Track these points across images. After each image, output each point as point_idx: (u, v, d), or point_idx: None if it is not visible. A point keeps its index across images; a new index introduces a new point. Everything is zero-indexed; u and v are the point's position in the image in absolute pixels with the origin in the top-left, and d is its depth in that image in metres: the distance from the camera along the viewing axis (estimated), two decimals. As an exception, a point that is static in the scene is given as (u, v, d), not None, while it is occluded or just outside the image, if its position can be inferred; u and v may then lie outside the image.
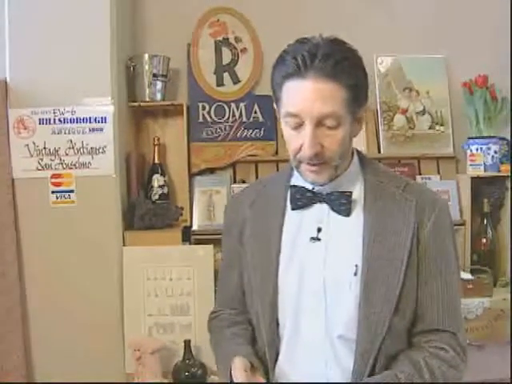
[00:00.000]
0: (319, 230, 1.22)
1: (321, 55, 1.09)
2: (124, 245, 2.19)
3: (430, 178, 2.58)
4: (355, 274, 1.17)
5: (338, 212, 1.22)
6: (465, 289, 2.28)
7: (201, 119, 2.50)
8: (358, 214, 1.22)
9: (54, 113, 2.10)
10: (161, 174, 2.41)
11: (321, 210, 1.24)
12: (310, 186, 1.24)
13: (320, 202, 1.24)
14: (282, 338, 1.23)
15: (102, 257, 2.12)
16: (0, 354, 2.01)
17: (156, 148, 2.42)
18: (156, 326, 2.15)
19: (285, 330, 1.22)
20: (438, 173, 2.61)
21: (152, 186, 2.39)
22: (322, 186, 1.21)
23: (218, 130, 2.50)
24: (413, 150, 2.57)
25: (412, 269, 1.17)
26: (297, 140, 1.15)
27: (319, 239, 1.22)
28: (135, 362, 2.02)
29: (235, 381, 1.15)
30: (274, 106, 1.23)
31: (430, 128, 2.59)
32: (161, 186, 2.40)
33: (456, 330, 1.20)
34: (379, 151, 2.57)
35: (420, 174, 2.60)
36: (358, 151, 1.29)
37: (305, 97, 1.10)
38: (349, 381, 1.16)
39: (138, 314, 2.15)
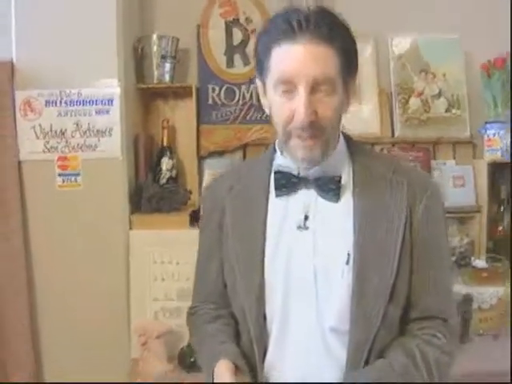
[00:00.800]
0: (306, 217, 1.15)
1: (315, 19, 1.06)
2: (130, 228, 2.17)
3: (445, 163, 2.52)
4: (347, 263, 1.11)
5: (327, 198, 1.15)
6: (479, 277, 2.23)
7: (210, 101, 2.45)
8: (347, 199, 1.16)
9: (61, 94, 2.08)
10: (169, 158, 2.37)
11: (307, 196, 1.17)
12: (295, 171, 1.16)
13: (306, 187, 1.17)
14: (270, 333, 1.16)
15: (108, 240, 2.11)
16: (5, 324, 2.03)
17: (165, 130, 2.38)
18: (162, 310, 2.13)
19: (273, 323, 1.16)
20: (454, 158, 2.54)
21: (160, 169, 2.36)
22: (309, 168, 1.14)
23: (228, 113, 2.45)
24: (428, 133, 2.50)
25: (405, 255, 1.12)
26: (289, 108, 1.08)
27: (307, 228, 1.15)
28: (141, 347, 2.02)
29: (218, 380, 1.10)
30: (257, 82, 1.18)
31: (446, 111, 2.51)
32: (169, 170, 2.36)
33: (448, 317, 1.17)
34: (393, 135, 2.51)
35: (435, 159, 2.52)
36: (343, 132, 1.22)
37: (298, 59, 1.05)
38: (342, 374, 1.11)
39: (144, 299, 2.13)
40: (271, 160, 1.23)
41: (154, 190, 2.25)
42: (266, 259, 1.16)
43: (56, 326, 2.11)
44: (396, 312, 1.13)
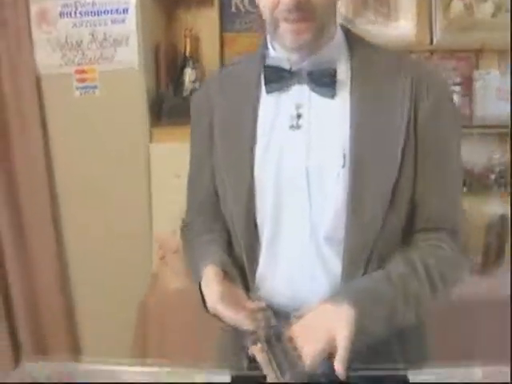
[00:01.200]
0: (299, 116, 1.06)
1: None
2: (151, 141, 2.15)
3: (489, 73, 2.31)
4: (343, 166, 1.02)
5: (321, 93, 1.05)
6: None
7: (234, 9, 2.33)
8: (343, 96, 1.06)
9: (75, 4, 2.03)
10: (192, 68, 2.29)
11: (300, 92, 1.07)
12: (287, 65, 1.07)
13: (299, 83, 1.07)
14: (261, 242, 1.10)
15: (128, 154, 2.11)
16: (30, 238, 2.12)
17: (187, 40, 2.28)
18: (183, 225, 2.16)
19: (264, 232, 1.09)
20: (499, 67, 2.31)
21: (183, 81, 2.29)
22: (301, 61, 1.05)
23: (252, 20, 2.32)
24: (471, 40, 2.27)
25: (408, 157, 1.02)
26: None
27: (299, 127, 1.06)
28: (159, 262, 2.06)
29: (207, 293, 1.03)
30: None
31: (492, 16, 2.28)
32: (193, 81, 2.30)
33: (456, 227, 1.08)
34: (431, 42, 2.30)
35: (478, 69, 2.31)
36: (341, 25, 1.11)
37: None
38: (337, 286, 1.05)
39: (164, 213, 2.13)
40: (263, 56, 1.14)
41: (175, 102, 2.20)
42: (256, 161, 1.08)
43: (77, 241, 2.19)
44: (397, 221, 1.04)
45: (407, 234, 1.07)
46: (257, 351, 0.84)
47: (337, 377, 0.83)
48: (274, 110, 1.09)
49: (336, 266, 1.04)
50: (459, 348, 1.65)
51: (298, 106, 1.07)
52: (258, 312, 0.95)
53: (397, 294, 0.97)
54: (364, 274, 1.03)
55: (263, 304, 0.99)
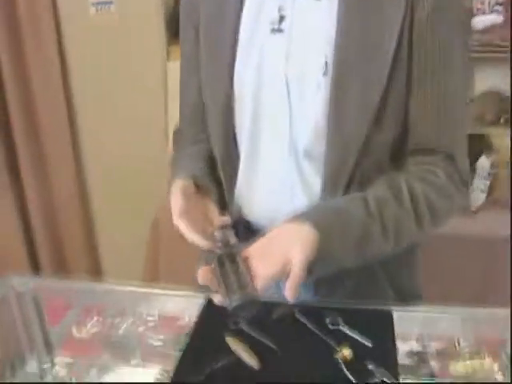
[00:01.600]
0: (282, 18, 0.96)
1: None
2: (168, 60, 2.10)
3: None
4: (324, 74, 0.90)
5: None
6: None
7: None
8: None
9: None
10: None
11: None
12: None
13: None
14: (239, 155, 1.02)
15: (145, 72, 2.07)
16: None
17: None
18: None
19: (242, 145, 1.01)
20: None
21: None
22: None
23: None
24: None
25: (401, 66, 0.89)
26: None
27: (281, 30, 0.96)
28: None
29: (171, 207, 0.93)
30: None
31: None
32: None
33: (454, 152, 0.95)
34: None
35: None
36: None
37: None
38: None
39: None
40: None
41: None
42: (236, 67, 0.99)
43: (94, 156, 2.19)
44: (383, 141, 0.92)
45: (397, 159, 0.96)
46: (206, 271, 0.78)
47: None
48: (256, 11, 0.98)
49: (316, 184, 0.96)
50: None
51: (280, 8, 0.96)
52: (219, 230, 0.88)
53: (373, 220, 0.86)
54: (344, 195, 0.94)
55: (228, 221, 0.92)
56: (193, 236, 0.87)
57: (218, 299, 0.77)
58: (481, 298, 1.22)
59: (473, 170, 1.89)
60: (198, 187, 0.97)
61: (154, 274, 1.96)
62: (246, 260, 0.80)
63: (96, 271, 2.28)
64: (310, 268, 0.79)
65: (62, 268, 2.20)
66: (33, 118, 2.05)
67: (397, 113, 0.92)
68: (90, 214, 2.24)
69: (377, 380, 0.76)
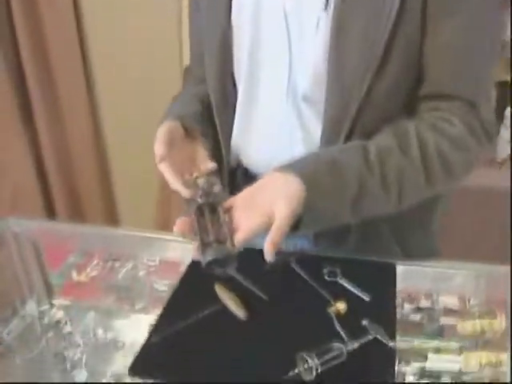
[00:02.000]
0: None
1: None
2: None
3: None
4: (324, 9, 0.80)
5: None
6: None
7: None
8: None
9: None
10: None
11: None
12: None
13: None
14: (236, 99, 0.95)
15: (159, 4, 1.97)
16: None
17: None
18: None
19: (240, 85, 0.93)
20: None
21: None
22: None
23: None
24: None
25: (413, 4, 0.76)
26: None
27: None
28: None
29: (155, 151, 0.85)
30: None
31: None
32: None
33: (476, 98, 0.82)
34: None
35: None
36: None
37: None
38: None
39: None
40: None
41: None
42: (234, 1, 0.90)
43: (109, 90, 2.11)
44: (389, 84, 0.81)
45: (406, 106, 0.85)
46: (182, 222, 0.71)
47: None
48: None
49: (316, 131, 0.87)
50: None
51: None
52: (202, 178, 0.82)
53: (371, 172, 0.76)
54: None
55: (213, 167, 0.85)
56: (174, 183, 0.80)
57: (193, 253, 0.69)
58: (503, 255, 1.14)
59: (499, 119, 1.76)
60: (187, 130, 0.90)
61: (165, 220, 1.95)
62: (228, 211, 0.73)
63: (112, 218, 2.27)
64: (297, 223, 0.72)
65: (77, 214, 2.19)
66: (45, 60, 1.99)
67: (407, 55, 0.80)
68: (106, 158, 2.20)
69: (370, 337, 0.71)
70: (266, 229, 0.69)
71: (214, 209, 0.73)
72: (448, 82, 0.82)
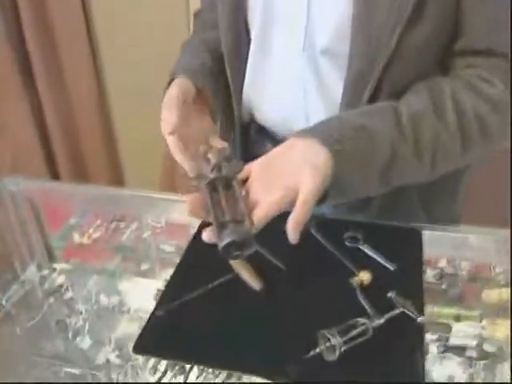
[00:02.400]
0: None
1: None
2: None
3: None
4: None
5: None
6: None
7: None
8: None
9: None
10: None
11: None
12: None
13: None
14: (249, 48, 0.86)
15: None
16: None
17: None
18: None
19: (253, 32, 0.85)
20: None
21: None
22: None
23: None
24: None
25: None
26: None
27: None
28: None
29: (163, 117, 0.77)
30: None
31: None
32: None
33: None
34: None
35: None
36: None
37: None
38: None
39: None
40: None
41: None
42: None
43: (113, 54, 2.03)
44: (421, 38, 0.72)
45: (443, 60, 0.76)
46: (195, 200, 0.62)
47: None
48: None
49: (335, 90, 0.78)
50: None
51: None
52: (214, 154, 0.73)
53: (404, 138, 0.68)
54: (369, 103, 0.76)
55: (224, 145, 0.77)
56: (182, 160, 0.73)
57: (206, 235, 0.60)
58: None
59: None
60: (198, 89, 0.81)
61: (170, 185, 1.89)
62: (244, 184, 0.65)
63: (117, 181, 2.20)
64: (322, 197, 0.63)
65: (81, 179, 2.13)
66: (46, 21, 1.90)
67: (442, 5, 0.71)
68: (110, 120, 2.13)
69: (397, 311, 0.66)
70: (289, 204, 0.60)
71: (228, 183, 0.64)
72: (489, 37, 0.73)
